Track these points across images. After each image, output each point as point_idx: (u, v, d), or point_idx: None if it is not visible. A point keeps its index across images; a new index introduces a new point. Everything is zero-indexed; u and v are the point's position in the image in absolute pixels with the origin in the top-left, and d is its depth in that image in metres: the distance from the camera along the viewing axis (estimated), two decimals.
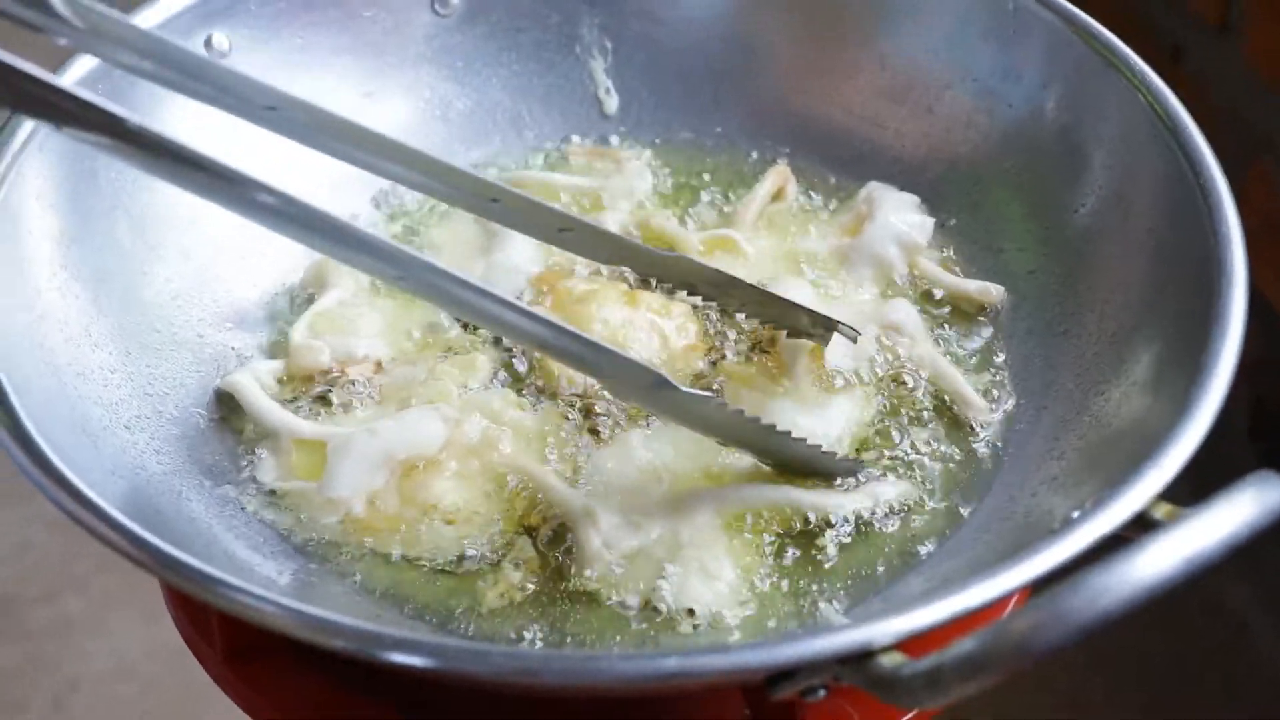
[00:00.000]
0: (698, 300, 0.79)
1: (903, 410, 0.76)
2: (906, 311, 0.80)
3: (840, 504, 0.70)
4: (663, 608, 0.66)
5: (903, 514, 0.71)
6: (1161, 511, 0.56)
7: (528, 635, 0.65)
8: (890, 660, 0.51)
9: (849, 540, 0.69)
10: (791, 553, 0.69)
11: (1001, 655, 0.47)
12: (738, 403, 0.72)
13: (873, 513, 0.70)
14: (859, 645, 0.51)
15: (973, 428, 0.74)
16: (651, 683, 0.51)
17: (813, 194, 0.90)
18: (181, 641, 0.71)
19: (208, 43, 0.82)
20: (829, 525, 0.70)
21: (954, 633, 0.50)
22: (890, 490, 0.71)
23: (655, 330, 0.77)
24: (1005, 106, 0.85)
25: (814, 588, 0.67)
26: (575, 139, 0.93)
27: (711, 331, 0.79)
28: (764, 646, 0.51)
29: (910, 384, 0.77)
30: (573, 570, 0.67)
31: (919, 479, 0.72)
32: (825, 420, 0.74)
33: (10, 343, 0.64)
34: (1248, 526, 0.49)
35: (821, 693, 0.55)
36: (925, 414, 0.76)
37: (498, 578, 0.67)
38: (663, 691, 0.61)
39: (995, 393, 0.76)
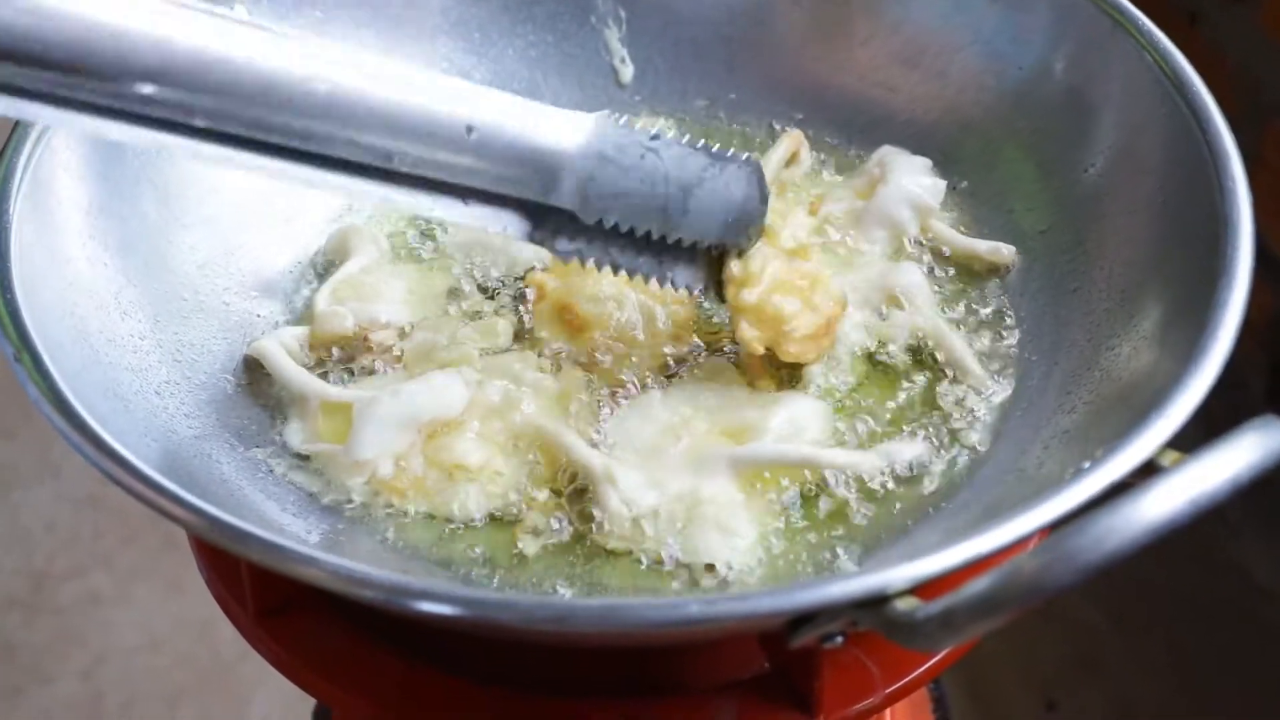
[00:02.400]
0: None
1: (912, 372, 0.77)
2: (913, 276, 0.81)
3: (856, 463, 0.71)
4: (683, 564, 0.67)
5: (918, 473, 0.72)
6: (1169, 460, 0.58)
7: (550, 588, 0.66)
8: (905, 604, 0.52)
9: (864, 497, 0.71)
10: (807, 510, 0.70)
11: (1013, 595, 0.49)
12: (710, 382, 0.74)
13: (889, 471, 0.72)
14: (875, 589, 0.52)
15: (979, 390, 0.76)
16: (676, 628, 0.52)
17: (826, 158, 0.91)
18: (207, 614, 0.73)
19: None
20: (845, 483, 0.71)
21: (967, 578, 0.51)
22: (906, 450, 0.72)
23: (643, 310, 0.78)
24: (1015, 69, 0.86)
25: (830, 543, 0.69)
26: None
27: (702, 320, 0.80)
28: (783, 592, 0.53)
29: (916, 345, 0.78)
30: (593, 528, 0.69)
31: (933, 438, 0.73)
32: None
33: (43, 311, 0.66)
34: (1250, 468, 0.51)
35: (839, 639, 0.56)
36: (935, 373, 0.77)
37: (520, 535, 0.69)
38: (686, 638, 0.62)
39: (1006, 350, 0.77)
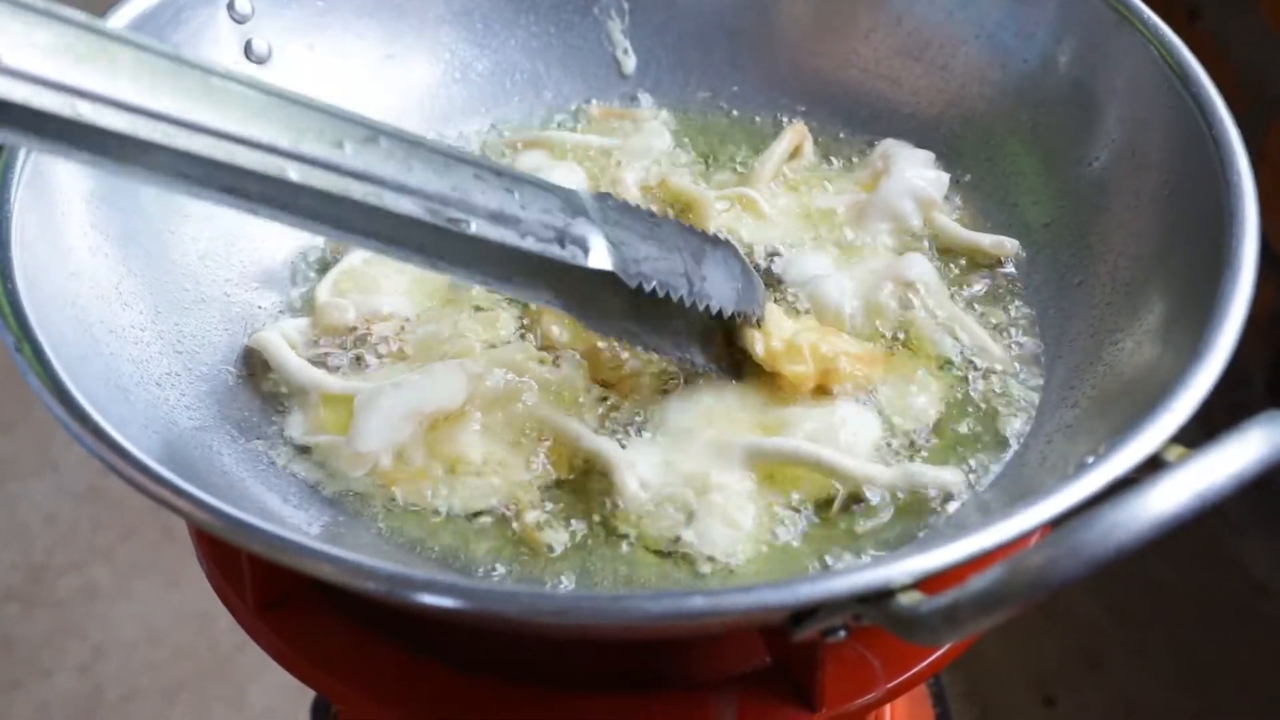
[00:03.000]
0: None
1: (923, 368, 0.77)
2: (922, 266, 0.81)
3: (871, 476, 0.70)
4: (687, 553, 0.67)
5: (939, 493, 0.70)
6: (1174, 454, 0.57)
7: (552, 581, 0.66)
8: (909, 598, 0.52)
9: (881, 506, 0.70)
10: (819, 510, 0.70)
11: (1018, 589, 0.48)
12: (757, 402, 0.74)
13: (905, 491, 0.70)
14: (879, 584, 0.52)
15: (989, 379, 0.75)
16: (678, 621, 0.52)
17: (830, 151, 0.91)
18: (206, 607, 0.73)
19: (231, 5, 0.82)
20: (857, 498, 0.70)
21: (971, 573, 0.51)
22: (934, 475, 0.70)
23: None
24: (1020, 62, 0.86)
25: (835, 544, 0.68)
26: (594, 102, 0.94)
27: None
28: (787, 585, 0.52)
29: (929, 338, 0.78)
30: (601, 515, 0.69)
31: (966, 461, 0.72)
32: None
33: (45, 301, 0.65)
34: (1256, 463, 0.50)
35: (842, 633, 0.56)
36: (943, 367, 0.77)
37: (524, 526, 0.69)
38: (688, 631, 0.62)
39: (1011, 344, 0.77)
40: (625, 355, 0.76)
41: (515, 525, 0.69)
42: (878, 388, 0.75)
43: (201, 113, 0.56)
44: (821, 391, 0.74)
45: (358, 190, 0.60)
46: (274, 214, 0.60)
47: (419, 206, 0.62)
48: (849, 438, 0.72)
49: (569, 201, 0.67)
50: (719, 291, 0.71)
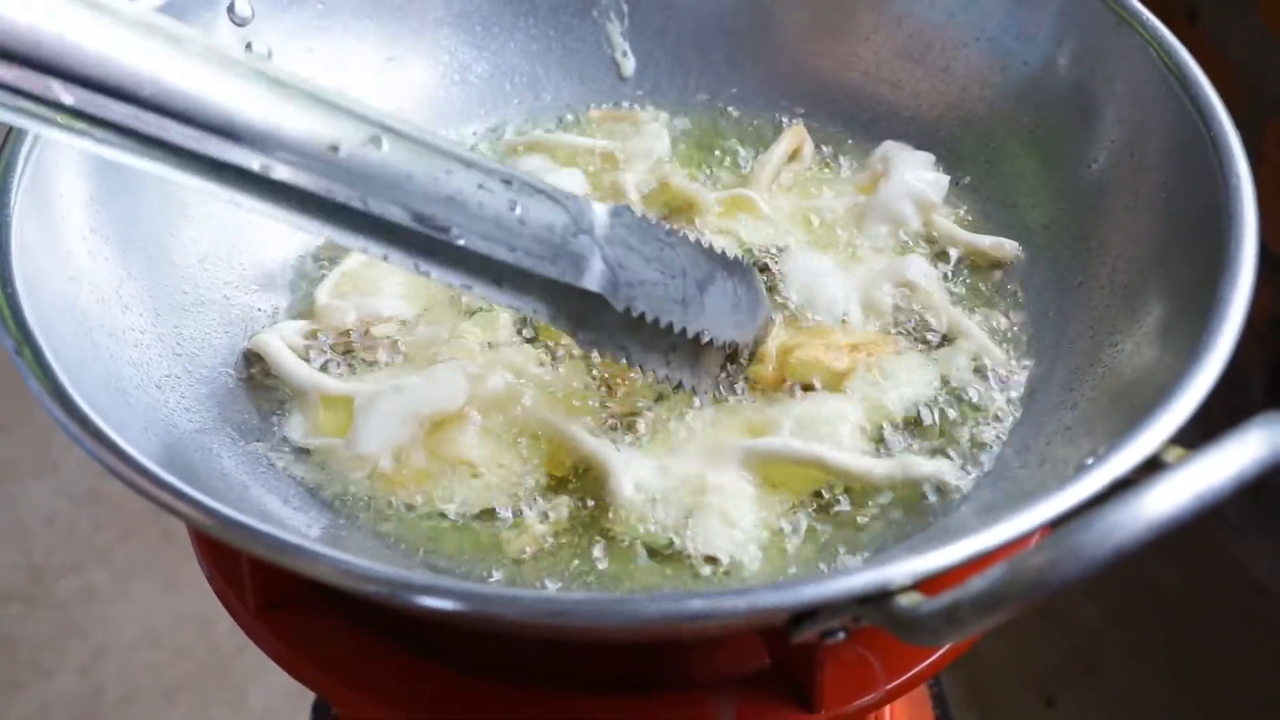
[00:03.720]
0: None
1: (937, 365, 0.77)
2: (921, 268, 0.81)
3: (868, 470, 0.70)
4: (686, 555, 0.67)
5: (932, 485, 0.71)
6: (1173, 456, 0.57)
7: (553, 583, 0.66)
8: (909, 600, 0.52)
9: (875, 502, 0.70)
10: (817, 509, 0.70)
11: (1017, 590, 0.48)
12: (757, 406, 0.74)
13: (901, 482, 0.71)
14: (878, 585, 0.52)
15: (987, 379, 0.75)
16: (677, 623, 0.52)
17: (829, 153, 0.91)
18: (205, 609, 0.73)
19: (231, 8, 0.83)
20: (854, 492, 0.71)
21: (970, 574, 0.51)
22: (926, 466, 0.71)
23: None
24: (1020, 64, 0.86)
25: (836, 542, 0.68)
26: (593, 106, 0.94)
27: None
28: (786, 587, 0.52)
29: (928, 340, 0.78)
30: (598, 519, 0.69)
31: (947, 446, 0.73)
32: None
33: (45, 304, 0.65)
34: (1255, 464, 0.50)
35: (841, 635, 0.56)
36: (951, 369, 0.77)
37: (524, 528, 0.69)
38: (687, 633, 0.62)
39: (1010, 346, 0.77)
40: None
41: (515, 527, 0.69)
42: (875, 380, 0.75)
43: (189, 102, 0.56)
44: (808, 388, 0.74)
45: (341, 194, 0.60)
46: (255, 205, 0.60)
47: (405, 214, 0.61)
48: (837, 432, 0.72)
49: (577, 216, 0.67)
50: (715, 322, 0.71)
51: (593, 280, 0.67)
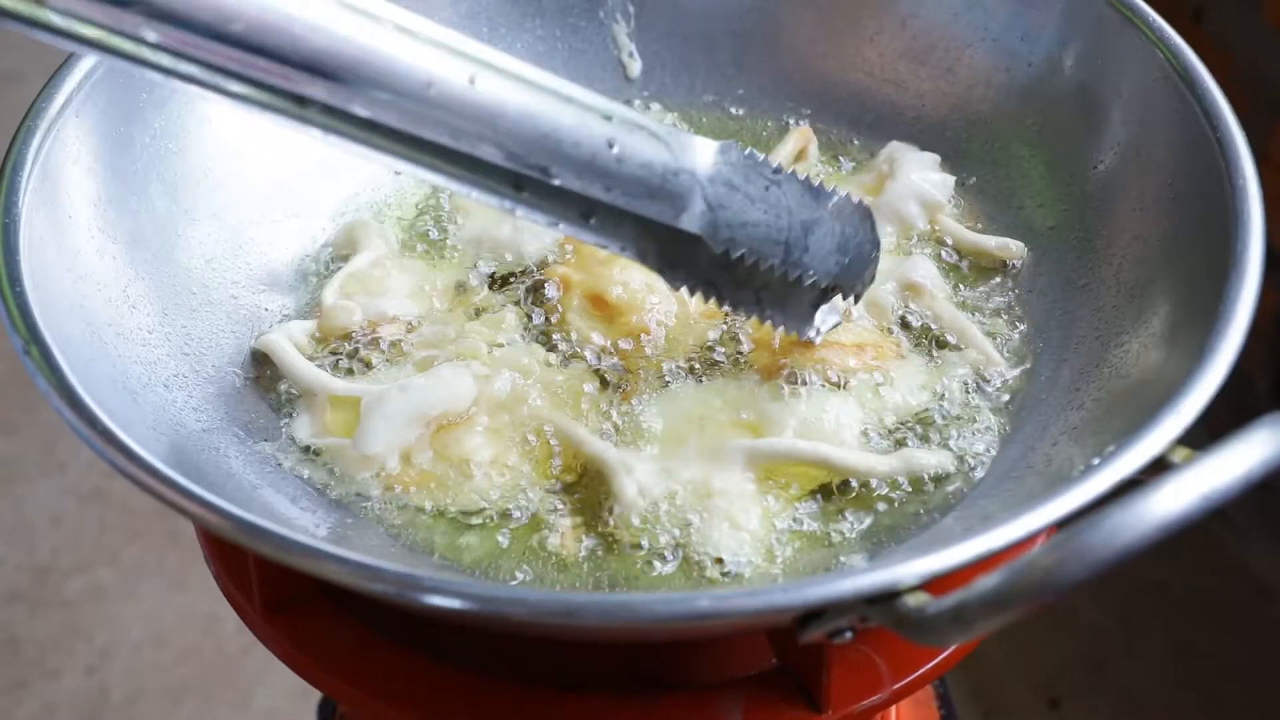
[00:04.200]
0: None
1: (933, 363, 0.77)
2: (926, 269, 0.81)
3: (872, 466, 0.71)
4: (693, 556, 0.67)
5: (935, 479, 0.71)
6: (1180, 456, 0.57)
7: (559, 582, 0.66)
8: (916, 600, 0.52)
9: (879, 498, 0.71)
10: (822, 507, 0.70)
11: (1025, 590, 0.48)
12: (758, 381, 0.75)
13: (905, 476, 0.71)
14: (886, 585, 0.52)
15: (990, 381, 0.75)
16: (685, 623, 0.52)
17: (835, 154, 0.91)
18: (211, 609, 0.73)
19: None
20: (860, 484, 0.71)
21: (977, 574, 0.51)
22: (928, 459, 0.71)
23: (674, 296, 0.79)
24: (1025, 65, 0.86)
25: (839, 541, 0.69)
26: None
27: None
28: (794, 587, 0.53)
29: (932, 341, 0.78)
30: (605, 519, 0.69)
31: (950, 444, 0.73)
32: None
33: (53, 304, 0.66)
34: (1262, 465, 0.51)
35: (849, 635, 0.56)
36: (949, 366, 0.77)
37: (530, 528, 0.69)
38: (695, 633, 0.62)
39: (1016, 346, 0.77)
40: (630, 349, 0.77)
41: (521, 527, 0.69)
42: (878, 380, 0.75)
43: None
44: (790, 380, 0.74)
45: (430, 132, 0.59)
46: (339, 142, 0.59)
47: (498, 153, 0.60)
48: (840, 431, 0.72)
49: (679, 153, 0.65)
50: (818, 263, 0.70)
51: (692, 221, 0.66)
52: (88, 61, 0.74)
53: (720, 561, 0.67)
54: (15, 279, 0.64)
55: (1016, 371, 0.76)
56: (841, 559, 0.68)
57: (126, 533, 1.86)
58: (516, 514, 0.70)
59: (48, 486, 1.91)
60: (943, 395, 0.75)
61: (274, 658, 0.69)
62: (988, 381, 0.75)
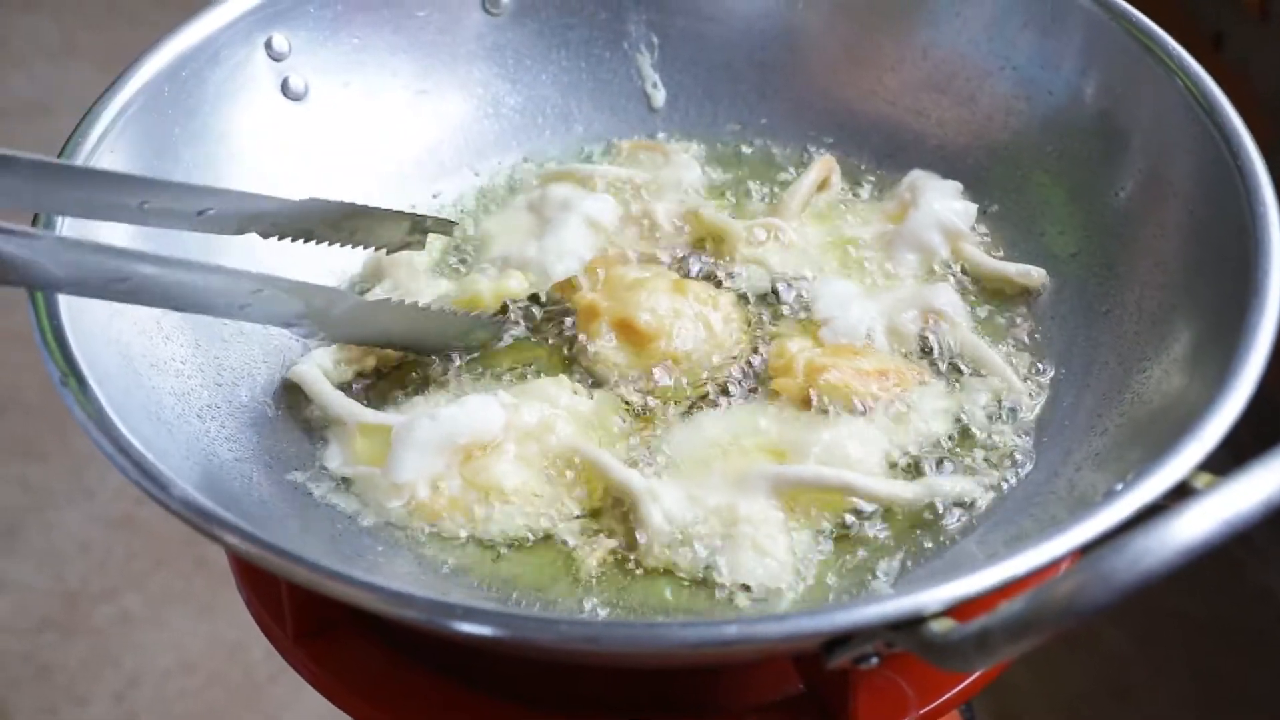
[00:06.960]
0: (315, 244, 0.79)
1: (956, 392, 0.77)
2: (949, 296, 0.82)
3: (896, 494, 0.71)
4: (720, 582, 0.68)
5: (959, 505, 0.72)
6: (1202, 482, 0.58)
7: (587, 609, 0.67)
8: (940, 625, 0.53)
9: (903, 524, 0.71)
10: (844, 535, 0.71)
11: (1048, 616, 0.49)
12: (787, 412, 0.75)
13: (928, 503, 0.72)
14: (911, 611, 0.53)
15: (1012, 407, 0.76)
16: (712, 649, 0.53)
17: (857, 183, 0.91)
18: (239, 635, 0.73)
19: (268, 44, 0.84)
20: (882, 512, 0.71)
21: (1001, 600, 0.51)
22: (951, 485, 0.72)
23: (701, 319, 0.79)
24: (1045, 94, 0.86)
25: (867, 565, 0.69)
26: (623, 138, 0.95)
27: (753, 323, 0.81)
28: (820, 613, 0.53)
29: (954, 368, 0.78)
30: (632, 547, 0.70)
31: (974, 470, 0.73)
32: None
33: (89, 336, 0.67)
34: None
35: (874, 660, 0.56)
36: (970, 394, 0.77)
37: (558, 554, 0.70)
38: (722, 659, 0.63)
39: (1039, 373, 0.78)
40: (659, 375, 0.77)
41: (549, 553, 0.70)
42: (900, 407, 0.75)
43: None
44: (818, 408, 0.75)
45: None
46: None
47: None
48: (865, 458, 0.73)
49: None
50: None
51: None
52: (122, 96, 0.76)
53: (747, 588, 0.67)
54: (53, 313, 0.65)
55: (1039, 398, 0.77)
56: (867, 585, 0.68)
57: (154, 559, 1.87)
58: (545, 541, 0.70)
59: (76, 513, 1.92)
60: (965, 422, 0.76)
61: (302, 684, 0.70)
62: (1010, 408, 0.76)
